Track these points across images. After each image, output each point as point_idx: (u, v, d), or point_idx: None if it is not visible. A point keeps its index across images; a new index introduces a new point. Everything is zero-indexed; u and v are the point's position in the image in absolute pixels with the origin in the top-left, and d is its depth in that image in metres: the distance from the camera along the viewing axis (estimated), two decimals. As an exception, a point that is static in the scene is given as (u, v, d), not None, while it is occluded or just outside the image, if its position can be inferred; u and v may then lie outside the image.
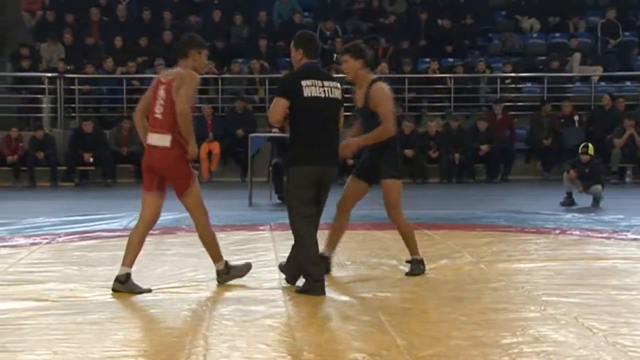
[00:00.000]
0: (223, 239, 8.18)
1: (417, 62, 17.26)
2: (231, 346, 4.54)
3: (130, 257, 5.90)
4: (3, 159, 14.89)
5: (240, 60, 16.82)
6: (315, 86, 5.79)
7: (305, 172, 5.77)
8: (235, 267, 6.18)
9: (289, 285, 6.04)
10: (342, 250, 7.61)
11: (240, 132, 15.15)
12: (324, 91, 5.80)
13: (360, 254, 7.48)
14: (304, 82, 5.78)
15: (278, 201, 11.99)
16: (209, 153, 15.36)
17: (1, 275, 6.45)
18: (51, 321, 5.09)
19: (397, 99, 16.16)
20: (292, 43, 5.99)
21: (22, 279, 6.31)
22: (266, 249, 7.74)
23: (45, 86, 15.95)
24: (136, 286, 5.86)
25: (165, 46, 17.08)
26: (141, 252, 6.07)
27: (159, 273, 6.49)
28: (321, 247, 6.12)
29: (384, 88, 6.26)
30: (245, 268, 6.22)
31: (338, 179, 10.18)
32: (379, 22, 18.24)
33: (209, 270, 6.43)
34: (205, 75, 16.43)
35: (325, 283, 5.83)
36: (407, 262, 6.53)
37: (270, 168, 12.25)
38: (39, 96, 16.10)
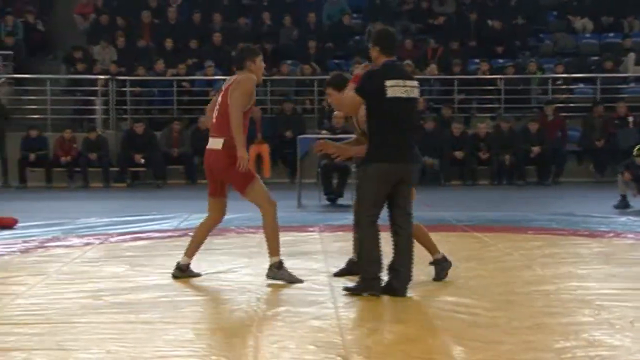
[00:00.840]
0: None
1: (467, 63, 17.13)
2: (281, 347, 4.54)
3: (191, 249, 6.33)
4: (57, 160, 15.14)
5: (289, 61, 16.86)
6: (398, 86, 5.69)
7: (380, 169, 5.67)
8: (288, 271, 6.20)
9: (338, 286, 6.04)
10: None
11: (288, 133, 15.19)
12: (406, 91, 5.73)
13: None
14: (388, 82, 5.68)
15: (327, 202, 12.01)
16: (258, 156, 15.43)
17: (55, 275, 6.55)
18: (104, 320, 5.16)
19: (446, 100, 16.19)
20: (369, 41, 5.96)
21: (76, 278, 6.39)
22: (315, 250, 7.74)
23: (98, 88, 16.19)
24: (192, 272, 6.33)
25: (215, 48, 17.22)
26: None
27: (209, 274, 6.53)
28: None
29: None
30: (297, 279, 6.18)
31: None
32: (428, 23, 18.15)
33: (259, 271, 6.46)
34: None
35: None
36: (431, 264, 6.38)
37: (319, 169, 12.27)
38: (92, 98, 16.34)
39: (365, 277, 5.75)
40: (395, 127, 5.70)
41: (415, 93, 5.81)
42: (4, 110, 15.33)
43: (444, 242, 8.12)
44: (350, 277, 6.15)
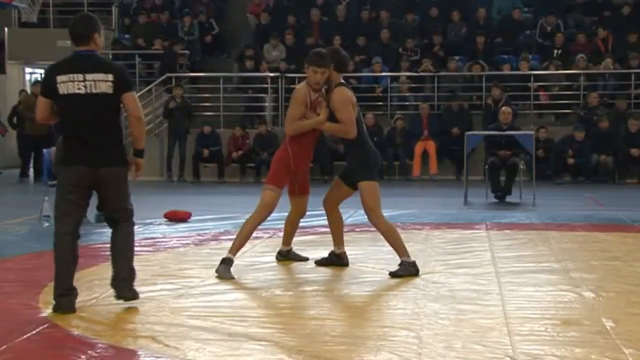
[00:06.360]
0: (438, 237, 8.20)
1: (645, 56, 16.32)
2: (447, 346, 4.49)
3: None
4: (230, 156, 15.67)
5: (457, 57, 16.67)
6: (72, 81, 5.09)
7: (68, 174, 5.16)
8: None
9: (506, 282, 5.93)
10: (561, 251, 7.37)
11: (456, 130, 15.04)
12: (85, 86, 5.09)
13: (580, 256, 7.20)
14: (59, 78, 5.11)
15: (494, 200, 11.80)
16: (424, 152, 15.42)
17: (227, 267, 6.75)
18: (271, 314, 5.29)
19: (622, 95, 15.48)
20: None
21: (245, 271, 6.55)
22: (482, 248, 7.62)
23: (268, 85, 16.61)
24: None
25: (382, 45, 17.26)
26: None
27: (364, 269, 6.57)
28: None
29: (344, 93, 6.30)
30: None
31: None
32: (603, 16, 17.44)
33: (425, 269, 6.43)
34: (422, 74, 16.47)
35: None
36: (399, 265, 6.34)
37: (487, 166, 12.09)
38: (262, 95, 16.79)
39: (55, 294, 5.17)
40: (78, 128, 5.12)
41: (102, 87, 5.08)
42: (189, 109, 16.02)
43: (618, 243, 7.82)
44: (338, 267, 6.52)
